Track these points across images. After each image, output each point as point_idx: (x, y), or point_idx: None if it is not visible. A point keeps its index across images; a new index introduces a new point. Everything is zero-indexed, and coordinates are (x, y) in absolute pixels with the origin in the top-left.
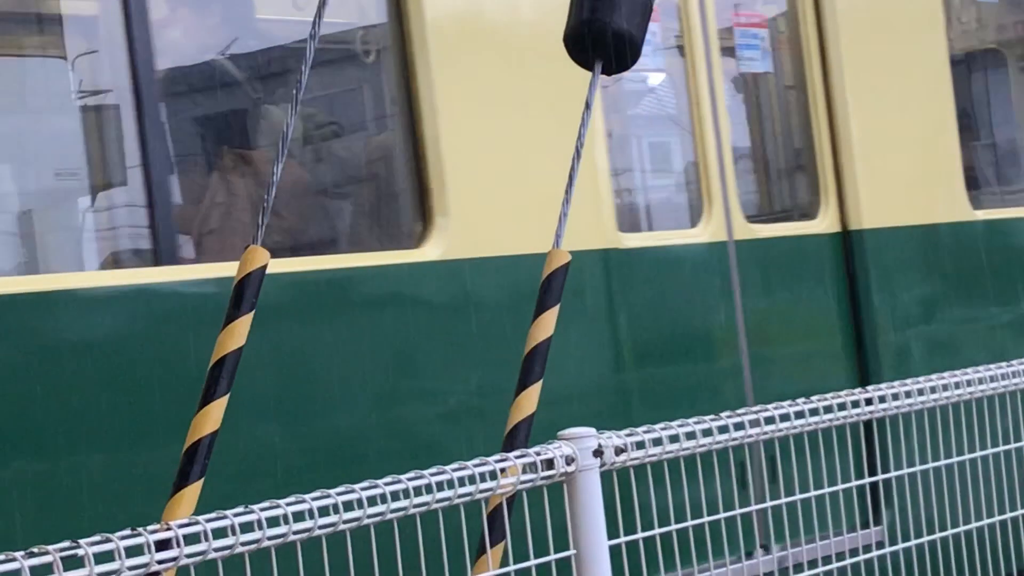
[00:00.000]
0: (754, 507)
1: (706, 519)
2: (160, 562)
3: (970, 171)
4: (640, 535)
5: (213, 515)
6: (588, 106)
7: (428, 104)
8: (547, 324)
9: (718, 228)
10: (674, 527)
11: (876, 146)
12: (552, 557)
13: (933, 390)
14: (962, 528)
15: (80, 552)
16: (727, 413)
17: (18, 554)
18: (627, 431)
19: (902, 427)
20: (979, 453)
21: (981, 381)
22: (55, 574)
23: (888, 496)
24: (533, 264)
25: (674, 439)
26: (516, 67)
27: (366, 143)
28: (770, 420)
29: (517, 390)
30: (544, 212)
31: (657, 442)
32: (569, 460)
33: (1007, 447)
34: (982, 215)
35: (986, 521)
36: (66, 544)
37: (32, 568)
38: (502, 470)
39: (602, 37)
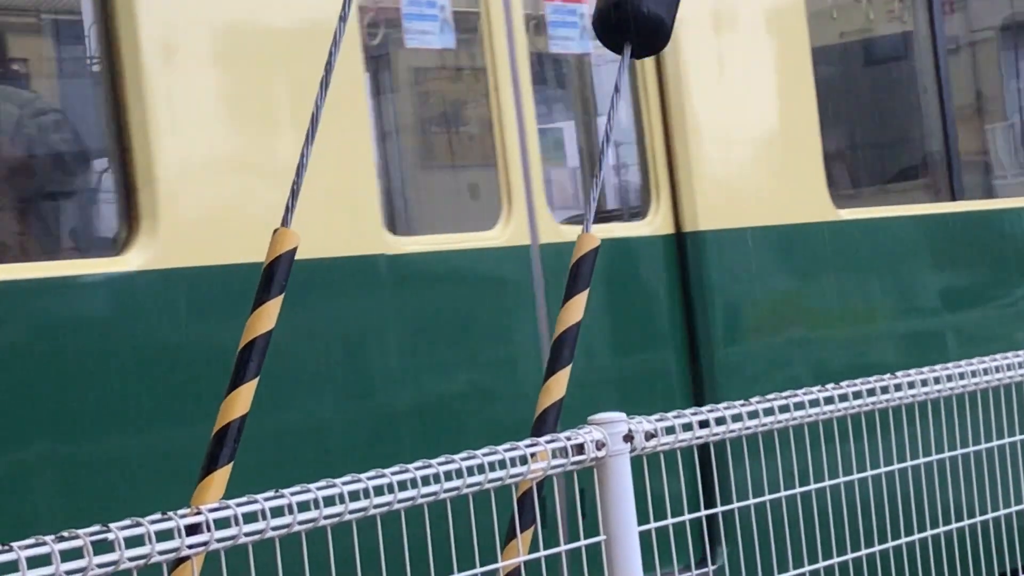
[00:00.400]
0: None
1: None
2: (191, 546)
3: (855, 167)
4: (670, 520)
5: (244, 499)
6: (617, 90)
7: (135, 88)
8: (576, 309)
9: (518, 230)
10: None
11: (717, 139)
12: (582, 543)
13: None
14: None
15: (110, 536)
16: (757, 399)
17: (48, 538)
18: (657, 416)
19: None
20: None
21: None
22: (85, 558)
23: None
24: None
25: (704, 424)
26: (244, 58)
27: (76, 132)
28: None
29: (546, 375)
30: (274, 214)
31: (688, 427)
32: (599, 445)
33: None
34: (848, 215)
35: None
36: (96, 528)
37: (63, 552)
38: (532, 455)
39: (631, 20)
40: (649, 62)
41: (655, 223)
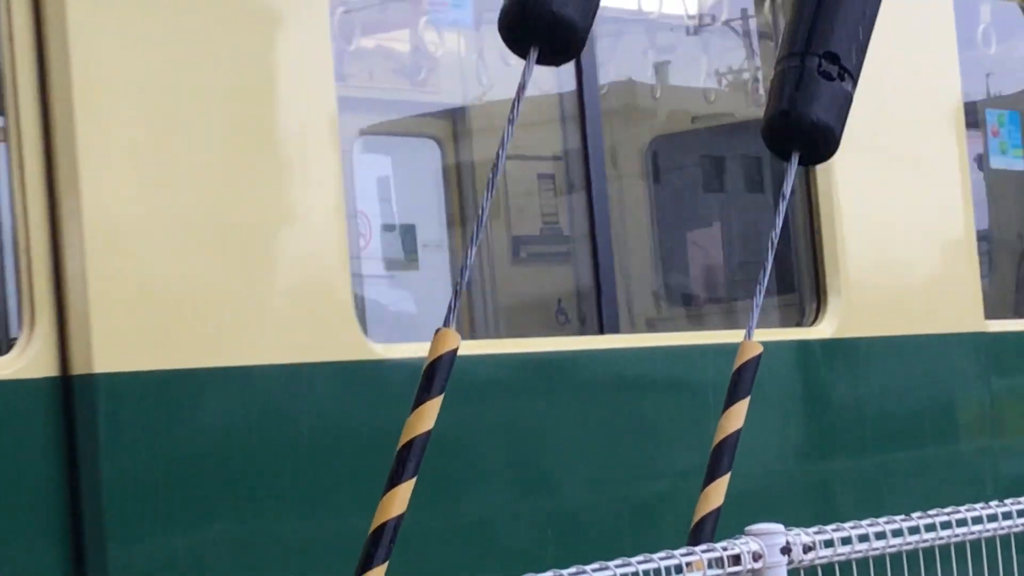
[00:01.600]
0: None
1: None
2: None
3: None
4: None
5: None
6: (784, 196)
7: None
8: (738, 416)
9: None
10: None
11: (149, 220)
12: None
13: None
14: None
15: None
16: (918, 514)
17: None
18: (815, 528)
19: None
20: None
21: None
22: None
23: None
24: None
25: (863, 539)
26: None
27: None
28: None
29: (705, 482)
30: None
31: (846, 541)
32: (756, 556)
33: None
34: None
35: None
36: None
37: None
38: (688, 564)
39: (800, 128)
40: (29, 128)
41: (24, 360)
